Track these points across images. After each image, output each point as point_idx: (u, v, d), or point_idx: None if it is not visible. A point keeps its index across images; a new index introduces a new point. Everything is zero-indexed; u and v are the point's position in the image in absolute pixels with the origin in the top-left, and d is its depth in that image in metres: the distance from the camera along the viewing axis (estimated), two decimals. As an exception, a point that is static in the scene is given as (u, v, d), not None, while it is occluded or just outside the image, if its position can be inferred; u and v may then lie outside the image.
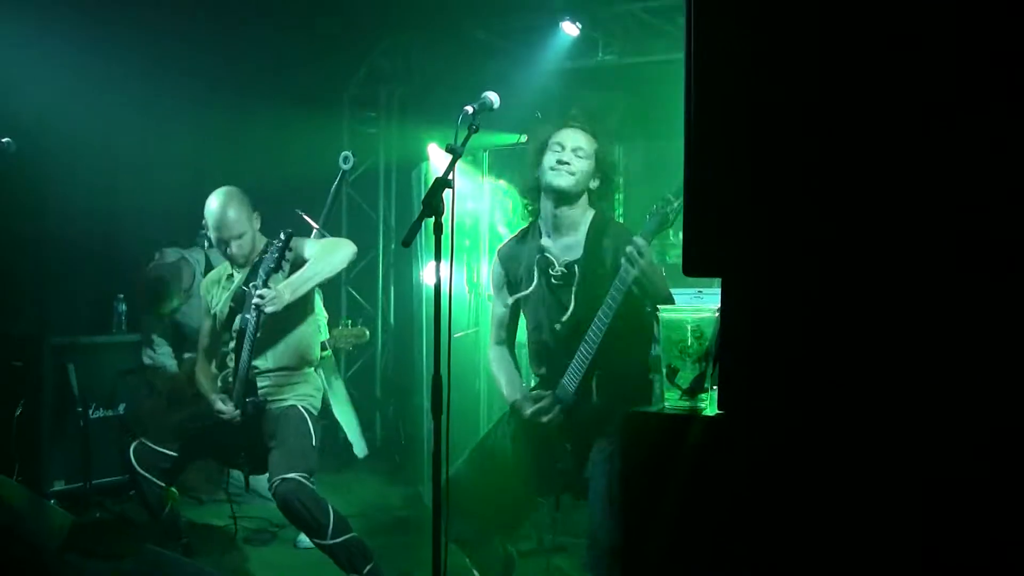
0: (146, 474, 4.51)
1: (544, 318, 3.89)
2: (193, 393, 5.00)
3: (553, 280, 3.86)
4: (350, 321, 6.21)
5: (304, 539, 5.31)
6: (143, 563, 3.20)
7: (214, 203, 4.61)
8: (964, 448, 1.86)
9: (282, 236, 4.40)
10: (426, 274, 6.99)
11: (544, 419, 3.75)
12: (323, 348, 5.99)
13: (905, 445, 1.90)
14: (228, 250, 4.62)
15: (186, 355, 6.02)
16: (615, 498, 3.39)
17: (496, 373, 4.10)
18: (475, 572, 4.14)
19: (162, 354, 6.02)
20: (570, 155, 3.82)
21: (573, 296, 3.78)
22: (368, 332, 6.20)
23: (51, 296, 6.39)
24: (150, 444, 4.54)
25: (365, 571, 4.29)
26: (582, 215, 3.89)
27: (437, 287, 3.17)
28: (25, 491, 4.62)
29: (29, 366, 5.76)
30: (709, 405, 2.22)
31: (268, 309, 4.35)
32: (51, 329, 5.98)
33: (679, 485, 2.14)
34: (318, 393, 4.79)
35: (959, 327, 1.87)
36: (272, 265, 4.38)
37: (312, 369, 4.77)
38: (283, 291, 4.37)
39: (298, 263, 4.52)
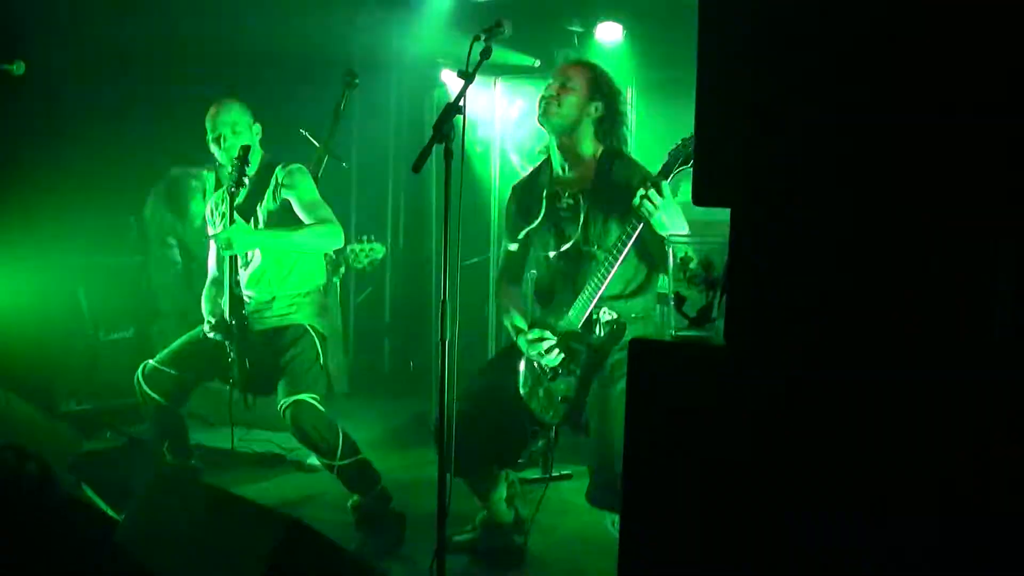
0: (153, 394, 4.56)
1: (550, 249, 3.89)
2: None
3: (561, 212, 3.85)
4: (365, 238, 6.17)
5: (313, 460, 5.38)
6: (152, 481, 3.24)
7: (213, 109, 4.64)
8: (970, 391, 1.87)
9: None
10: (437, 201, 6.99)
11: (547, 354, 3.76)
12: (335, 268, 6.01)
13: (915, 380, 1.92)
14: (226, 150, 4.62)
15: (195, 266, 6.04)
16: (617, 425, 3.42)
17: (502, 308, 4.11)
18: (479, 499, 4.21)
19: (171, 277, 6.03)
20: (557, 89, 3.83)
21: (579, 228, 3.77)
22: (384, 248, 6.19)
23: (61, 216, 6.40)
24: (156, 365, 4.58)
25: (374, 492, 4.35)
26: (590, 148, 3.87)
27: (446, 214, 3.17)
28: (37, 411, 4.67)
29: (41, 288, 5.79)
30: (716, 335, 2.23)
31: (223, 253, 4.46)
32: (61, 250, 5.99)
33: (683, 414, 2.16)
34: (326, 313, 4.81)
35: (973, 264, 1.87)
36: (232, 186, 4.44)
37: (319, 290, 4.78)
38: (254, 239, 4.47)
39: (287, 205, 4.56)
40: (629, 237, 3.51)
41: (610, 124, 3.88)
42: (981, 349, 1.87)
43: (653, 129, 5.89)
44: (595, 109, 3.85)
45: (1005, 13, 1.80)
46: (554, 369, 3.78)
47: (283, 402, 4.29)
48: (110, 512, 3.65)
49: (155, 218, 6.43)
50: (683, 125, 3.37)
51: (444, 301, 3.18)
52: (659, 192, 3.38)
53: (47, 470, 3.35)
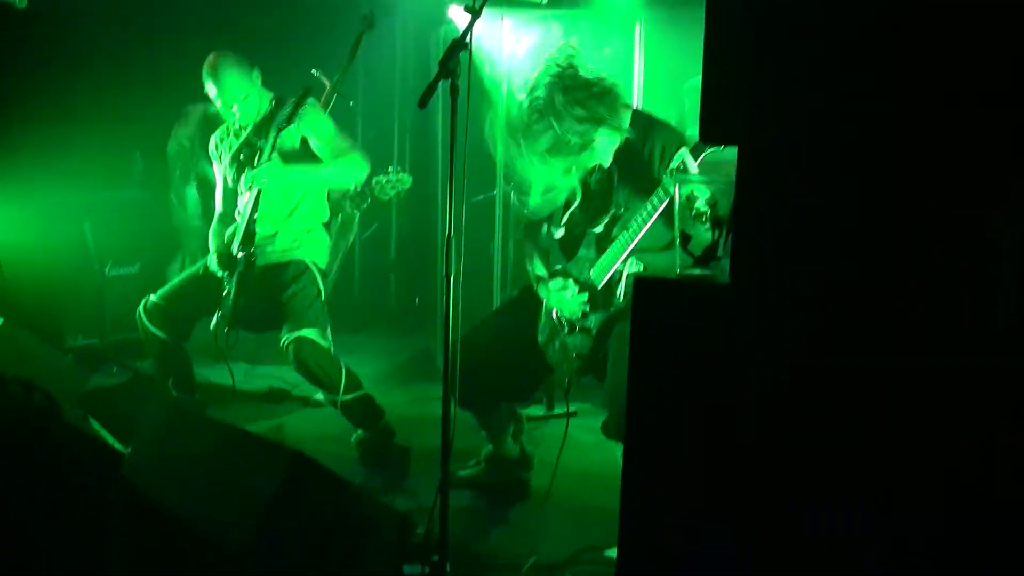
0: (155, 330, 4.57)
1: (579, 214, 3.83)
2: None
3: (592, 186, 3.76)
4: (391, 168, 6.14)
5: (319, 395, 5.41)
6: (157, 416, 3.27)
7: (208, 72, 4.61)
8: (974, 379, 1.87)
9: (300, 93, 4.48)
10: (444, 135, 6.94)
11: (568, 303, 3.74)
12: (362, 199, 5.98)
13: (919, 322, 1.92)
14: (233, 113, 4.63)
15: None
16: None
17: (526, 254, 4.08)
18: (485, 433, 4.24)
19: (192, 215, 6.03)
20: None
21: (611, 196, 3.70)
22: (410, 179, 6.16)
23: (67, 152, 6.38)
24: (157, 301, 4.60)
25: (378, 427, 4.38)
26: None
27: (451, 151, 3.15)
28: (43, 346, 4.70)
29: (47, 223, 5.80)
30: (721, 273, 2.23)
31: (258, 185, 4.45)
32: (67, 186, 5.99)
33: (687, 353, 2.17)
34: (327, 249, 4.82)
35: (977, 252, 1.87)
36: (284, 122, 4.39)
37: (322, 227, 4.79)
38: (282, 174, 4.44)
39: (303, 141, 4.55)
40: (655, 208, 3.40)
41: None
42: (985, 337, 1.87)
43: (662, 65, 5.83)
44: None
45: (1008, 2, 1.79)
46: (571, 323, 3.77)
47: (285, 339, 4.31)
48: (117, 446, 3.68)
49: (180, 155, 6.41)
50: (692, 61, 3.32)
51: (450, 237, 3.18)
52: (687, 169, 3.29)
53: (53, 403, 3.38)
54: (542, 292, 3.85)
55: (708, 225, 2.23)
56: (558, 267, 3.90)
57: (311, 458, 2.92)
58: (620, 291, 3.65)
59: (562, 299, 3.76)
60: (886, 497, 1.96)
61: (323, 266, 4.74)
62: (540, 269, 3.94)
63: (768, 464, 2.08)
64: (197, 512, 2.91)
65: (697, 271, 2.25)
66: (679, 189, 2.29)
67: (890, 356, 1.93)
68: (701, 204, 2.24)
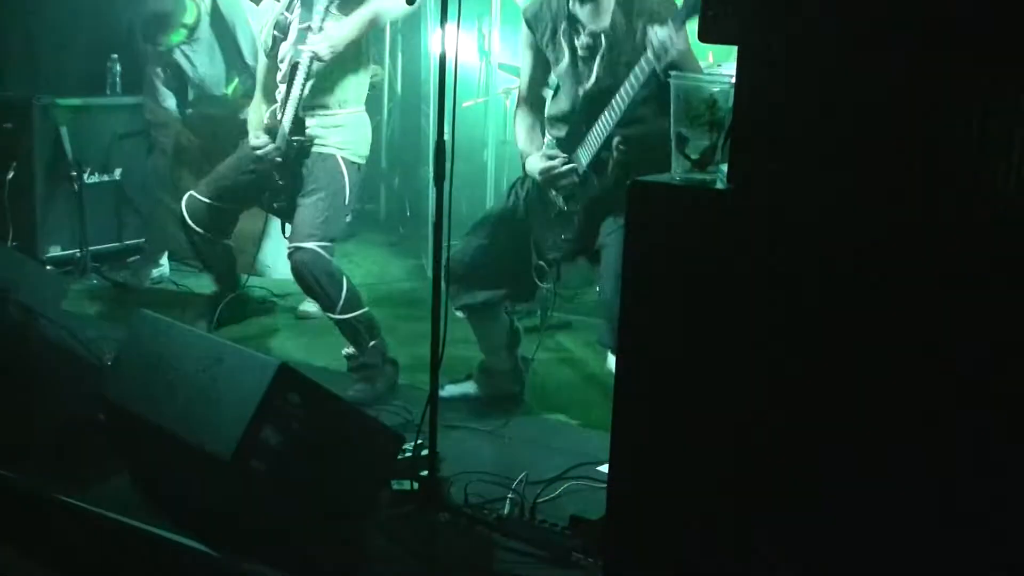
0: (195, 226, 4.55)
1: (568, 86, 3.81)
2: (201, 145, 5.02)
3: (579, 51, 3.75)
4: None
5: (307, 307, 5.41)
6: (139, 328, 3.25)
7: None
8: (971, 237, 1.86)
9: None
10: (433, 41, 6.84)
11: (555, 179, 3.74)
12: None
13: (926, 225, 1.90)
14: None
15: (189, 111, 5.97)
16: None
17: (517, 127, 4.06)
18: (479, 344, 4.23)
19: (167, 107, 5.94)
20: None
21: (597, 66, 3.68)
22: (382, 70, 6.06)
23: (42, 56, 6.29)
24: (197, 196, 4.54)
25: (369, 346, 4.37)
26: None
27: (443, 53, 3.10)
28: (21, 256, 4.67)
29: (21, 128, 5.72)
30: (719, 179, 2.20)
31: (325, 55, 4.25)
32: (43, 90, 5.90)
33: (683, 258, 2.15)
34: (365, 140, 4.58)
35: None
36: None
37: (360, 110, 4.56)
38: (340, 34, 4.26)
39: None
40: (643, 72, 3.39)
41: None
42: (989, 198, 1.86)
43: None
44: None
45: None
46: (554, 202, 3.78)
47: (290, 245, 4.28)
48: (97, 359, 3.68)
49: (143, 51, 6.29)
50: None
51: (440, 142, 3.14)
52: (672, 44, 3.28)
53: (30, 314, 3.36)
54: (529, 167, 3.85)
55: (706, 128, 2.19)
56: (547, 146, 3.89)
57: (296, 369, 2.91)
58: (609, 169, 3.64)
59: (547, 172, 3.77)
60: (889, 425, 1.96)
61: (361, 158, 4.52)
62: (526, 144, 3.94)
63: (766, 378, 2.07)
64: (179, 425, 2.91)
65: (694, 176, 2.21)
66: (675, 88, 2.24)
67: (898, 261, 1.92)
68: (698, 105, 2.20)
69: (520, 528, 3.12)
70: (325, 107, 4.42)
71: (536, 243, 3.93)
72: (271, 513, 2.80)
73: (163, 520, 2.97)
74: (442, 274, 3.22)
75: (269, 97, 4.54)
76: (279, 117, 4.38)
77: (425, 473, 3.20)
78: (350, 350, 4.42)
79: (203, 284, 5.62)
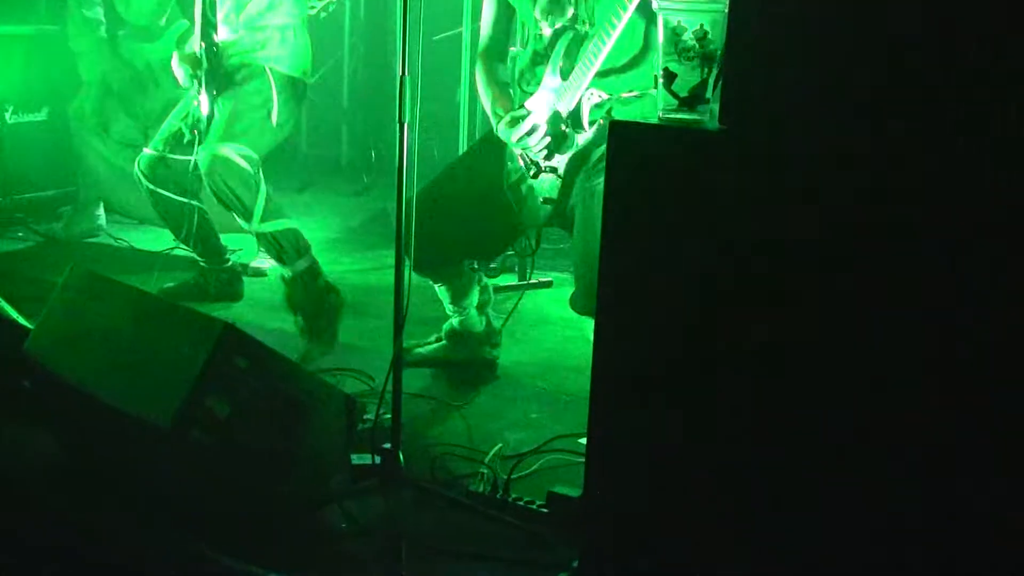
0: (160, 190, 4.53)
1: (538, 28, 3.78)
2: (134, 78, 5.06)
3: None
4: None
5: (260, 262, 5.40)
6: (69, 284, 3.24)
7: None
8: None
9: None
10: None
11: (531, 146, 3.72)
12: None
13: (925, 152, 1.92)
14: None
15: (120, 32, 5.89)
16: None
17: (482, 88, 4.03)
18: (445, 304, 4.24)
19: (94, 34, 5.85)
20: None
21: (571, 4, 3.65)
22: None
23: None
24: (156, 154, 4.54)
25: (296, 264, 4.32)
26: None
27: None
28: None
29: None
30: (710, 118, 2.20)
31: None
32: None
33: (669, 206, 2.16)
34: (301, 54, 4.60)
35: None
36: None
37: (297, 25, 4.58)
38: None
39: None
40: (625, 9, 3.38)
41: None
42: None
43: None
44: None
45: None
46: (536, 163, 3.75)
47: (201, 150, 4.28)
48: (21, 320, 3.67)
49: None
50: None
51: (403, 78, 3.12)
52: None
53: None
54: (503, 133, 3.83)
55: (696, 62, 2.19)
56: (519, 101, 3.87)
57: (245, 332, 2.91)
58: (586, 123, 3.62)
59: (519, 137, 3.75)
60: (891, 396, 1.98)
61: (296, 72, 4.55)
62: (494, 107, 3.92)
63: (759, 339, 2.09)
64: (113, 393, 2.91)
65: (682, 115, 2.21)
66: (662, 18, 2.24)
67: (909, 210, 1.93)
68: (688, 37, 2.20)
69: (492, 506, 3.13)
70: (251, 20, 4.46)
71: (513, 207, 3.90)
72: (217, 490, 2.81)
73: (98, 500, 2.97)
74: (405, 223, 3.21)
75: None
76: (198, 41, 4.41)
77: (388, 446, 3.21)
78: (283, 272, 4.38)
79: (145, 239, 5.61)
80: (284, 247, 4.32)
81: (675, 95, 2.21)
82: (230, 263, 4.98)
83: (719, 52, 2.17)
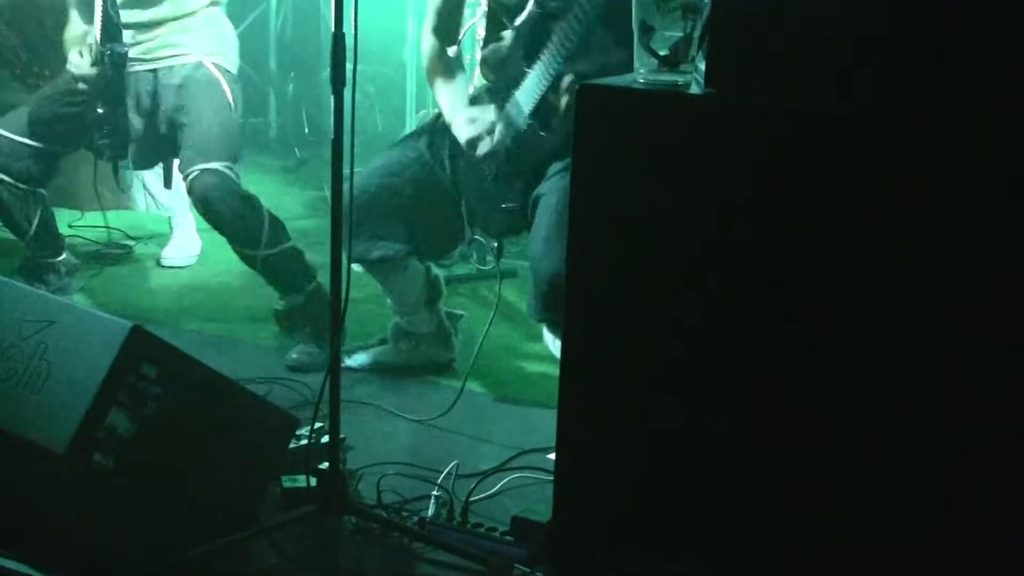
0: (8, 178, 4.50)
1: (505, 13, 3.77)
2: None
3: None
4: None
5: (172, 255, 5.38)
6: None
7: None
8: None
9: None
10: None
11: (484, 152, 3.72)
12: None
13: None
14: None
15: None
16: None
17: (431, 77, 4.02)
18: (388, 300, 4.23)
19: None
20: None
21: None
22: None
23: None
24: (9, 136, 4.49)
25: (309, 289, 4.34)
26: None
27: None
28: None
29: None
30: (695, 80, 2.20)
31: None
32: None
33: (647, 181, 2.16)
34: (230, 43, 4.66)
35: None
36: None
37: (210, 9, 4.59)
38: None
39: None
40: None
41: None
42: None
43: None
44: None
45: None
46: (493, 165, 3.75)
47: (189, 172, 4.26)
48: None
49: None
50: None
51: (337, 35, 3.10)
52: None
53: None
54: (455, 132, 3.82)
55: (678, 13, 2.19)
56: (478, 90, 3.86)
57: (156, 336, 2.90)
58: (555, 119, 3.60)
59: (474, 144, 3.75)
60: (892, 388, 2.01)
61: (232, 65, 4.60)
62: (449, 100, 3.92)
63: (751, 327, 2.10)
64: (6, 413, 2.88)
65: (664, 76, 2.21)
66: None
67: (918, 183, 1.94)
68: (670, -16, 2.20)
69: (448, 534, 3.13)
70: (166, 15, 4.47)
71: (469, 212, 3.93)
72: (123, 523, 2.79)
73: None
74: (343, 210, 3.19)
75: (83, 6, 4.53)
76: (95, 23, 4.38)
77: (326, 465, 3.20)
78: (286, 304, 4.38)
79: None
80: (294, 271, 4.38)
81: (654, 54, 2.20)
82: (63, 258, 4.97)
83: (704, 2, 2.17)
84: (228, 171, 4.28)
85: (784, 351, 2.08)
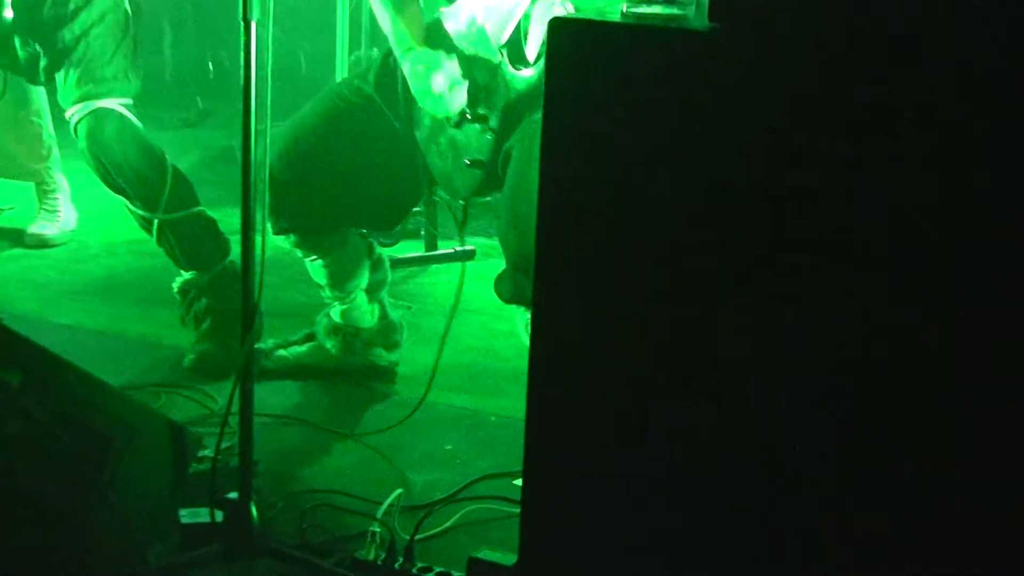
0: None
1: None
2: None
3: None
4: None
5: (42, 227, 5.38)
6: None
7: None
8: None
9: None
10: None
11: (448, 94, 3.73)
12: None
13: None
14: None
15: None
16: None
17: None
18: (322, 286, 4.23)
19: None
20: None
21: None
22: None
23: None
24: None
25: (217, 268, 4.31)
26: None
27: None
28: None
29: None
30: (695, 13, 2.21)
31: None
32: None
33: (637, 135, 2.17)
34: None
35: None
36: None
37: None
38: None
39: None
40: None
41: None
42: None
43: None
44: None
45: None
46: (461, 112, 3.75)
47: (76, 109, 4.24)
48: None
49: None
50: None
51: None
52: None
53: None
54: (409, 72, 3.82)
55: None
56: (435, 21, 3.86)
57: (20, 334, 2.93)
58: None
59: (425, 86, 3.77)
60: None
61: None
62: (402, 30, 3.90)
63: (760, 330, 2.12)
64: None
65: (656, 9, 2.22)
66: None
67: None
68: None
69: (389, 580, 3.14)
70: None
71: (430, 167, 3.93)
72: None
73: None
74: (256, 168, 3.19)
75: None
76: None
77: (234, 495, 3.20)
78: (188, 278, 4.35)
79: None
80: (203, 239, 4.35)
81: (644, -23, 2.22)
82: None
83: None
84: (124, 109, 4.26)
85: (782, 340, 2.12)
